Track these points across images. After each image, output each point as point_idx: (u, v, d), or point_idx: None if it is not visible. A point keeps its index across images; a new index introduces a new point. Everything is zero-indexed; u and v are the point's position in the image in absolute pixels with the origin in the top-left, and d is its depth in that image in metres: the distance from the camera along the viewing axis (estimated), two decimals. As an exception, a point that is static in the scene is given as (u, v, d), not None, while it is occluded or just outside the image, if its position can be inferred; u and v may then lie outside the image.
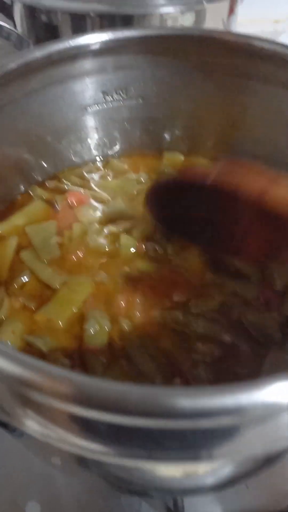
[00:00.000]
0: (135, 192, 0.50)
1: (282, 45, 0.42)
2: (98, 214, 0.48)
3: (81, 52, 0.44)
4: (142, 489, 0.36)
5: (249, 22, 1.02)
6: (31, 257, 0.45)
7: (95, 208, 0.49)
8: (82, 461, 0.28)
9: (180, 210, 0.40)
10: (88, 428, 0.22)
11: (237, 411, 0.19)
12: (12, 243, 0.46)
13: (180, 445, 0.21)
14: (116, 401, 0.19)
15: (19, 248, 0.46)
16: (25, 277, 0.43)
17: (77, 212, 0.48)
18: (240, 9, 0.74)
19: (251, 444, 0.22)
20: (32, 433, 0.24)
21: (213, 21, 0.66)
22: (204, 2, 0.57)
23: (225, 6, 0.68)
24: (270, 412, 0.19)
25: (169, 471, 0.27)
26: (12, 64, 0.40)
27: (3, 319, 0.40)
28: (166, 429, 0.20)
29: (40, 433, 0.24)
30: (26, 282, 0.43)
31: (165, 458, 0.21)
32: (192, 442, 0.21)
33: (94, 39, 0.43)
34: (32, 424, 0.24)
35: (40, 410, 0.23)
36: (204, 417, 0.19)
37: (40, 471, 0.42)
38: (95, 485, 0.43)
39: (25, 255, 0.45)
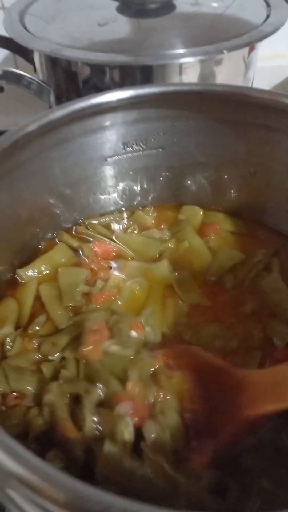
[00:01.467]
0: (157, 255, 0.50)
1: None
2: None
3: (102, 109, 0.44)
4: None
5: (267, 57, 1.02)
6: (49, 292, 0.45)
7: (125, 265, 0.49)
8: None
9: None
10: None
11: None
12: (32, 288, 0.46)
13: None
14: None
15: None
16: (41, 318, 0.43)
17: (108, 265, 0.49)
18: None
19: None
20: None
21: (235, 60, 0.66)
22: (225, 51, 0.57)
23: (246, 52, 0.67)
24: None
25: None
26: (34, 124, 0.40)
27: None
28: None
29: None
30: (42, 325, 0.43)
31: None
32: None
33: (115, 96, 0.44)
34: None
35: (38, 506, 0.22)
36: None
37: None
38: None
39: (44, 288, 0.45)
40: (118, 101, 0.44)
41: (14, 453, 0.21)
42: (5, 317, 0.43)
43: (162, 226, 0.53)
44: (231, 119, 0.48)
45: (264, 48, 0.85)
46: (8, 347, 0.41)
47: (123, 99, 0.44)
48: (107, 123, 0.46)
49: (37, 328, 0.43)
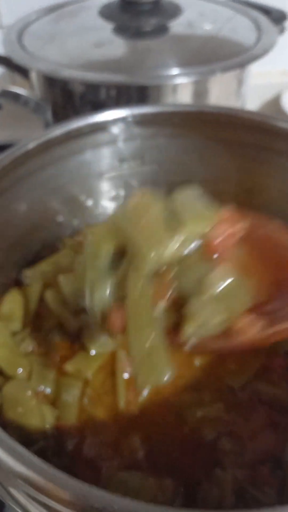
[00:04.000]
0: None
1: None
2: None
3: (98, 127, 0.46)
4: None
5: (258, 75, 1.05)
6: (55, 298, 0.46)
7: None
8: None
9: None
10: None
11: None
12: (37, 288, 0.47)
13: None
14: None
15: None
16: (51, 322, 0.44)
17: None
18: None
19: None
20: None
21: (227, 80, 0.68)
22: (218, 72, 0.59)
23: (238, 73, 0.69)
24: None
25: None
26: (32, 143, 0.41)
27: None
28: None
29: None
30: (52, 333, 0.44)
31: None
32: None
33: (112, 116, 0.45)
34: None
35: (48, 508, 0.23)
36: None
37: None
38: None
39: (50, 294, 0.46)
40: (115, 120, 0.45)
41: (19, 455, 0.21)
42: (13, 312, 0.45)
43: None
44: (224, 138, 0.50)
45: (255, 67, 0.89)
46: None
47: (119, 119, 0.45)
48: (104, 141, 0.48)
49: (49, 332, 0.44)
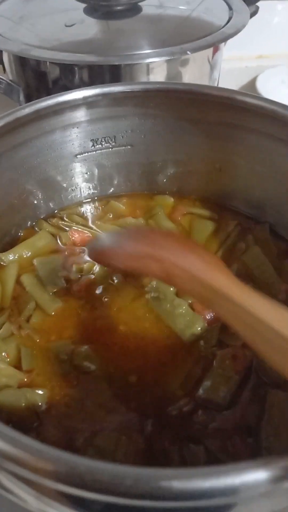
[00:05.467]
0: None
1: (263, 99, 0.44)
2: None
3: (69, 106, 0.45)
4: None
5: (234, 59, 1.06)
6: (31, 282, 0.47)
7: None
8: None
9: None
10: (79, 504, 0.22)
11: (231, 492, 0.19)
12: (13, 271, 0.48)
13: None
14: (109, 484, 0.19)
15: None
16: (31, 304, 0.45)
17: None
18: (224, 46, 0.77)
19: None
20: (28, 506, 0.24)
21: (199, 61, 0.68)
22: (189, 52, 0.58)
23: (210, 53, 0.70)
24: (264, 490, 0.20)
25: None
26: (1, 121, 0.41)
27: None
28: (161, 508, 0.20)
29: (36, 507, 0.24)
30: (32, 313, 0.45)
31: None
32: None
33: (81, 94, 0.45)
34: (27, 498, 0.24)
35: (33, 486, 0.23)
36: (197, 499, 0.19)
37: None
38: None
39: (26, 278, 0.47)
40: (85, 98, 0.45)
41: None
42: None
43: (136, 213, 0.55)
44: (194, 117, 0.50)
45: (230, 50, 0.88)
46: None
47: (89, 97, 0.45)
48: (75, 120, 0.47)
49: (28, 314, 0.45)
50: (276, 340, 0.25)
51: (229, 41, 0.79)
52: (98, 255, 0.39)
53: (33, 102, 0.43)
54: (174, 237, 0.38)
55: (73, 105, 0.45)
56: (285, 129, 0.45)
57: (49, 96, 0.43)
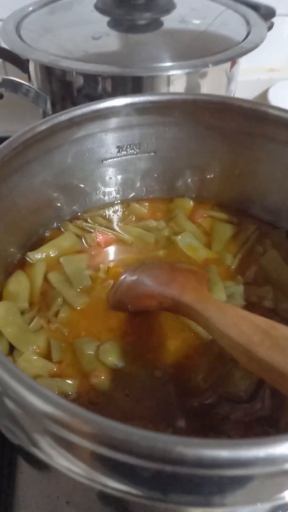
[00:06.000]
0: (153, 241, 0.55)
1: (283, 109, 0.47)
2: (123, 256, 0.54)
3: (100, 115, 0.48)
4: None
5: (247, 71, 1.09)
6: (58, 278, 0.50)
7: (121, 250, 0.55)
8: (102, 498, 0.30)
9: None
10: (109, 466, 0.25)
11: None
12: (41, 268, 0.50)
13: (195, 491, 0.23)
14: (138, 447, 0.22)
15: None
16: (59, 301, 0.47)
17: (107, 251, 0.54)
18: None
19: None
20: (59, 467, 0.27)
21: (218, 73, 0.71)
22: (210, 65, 0.61)
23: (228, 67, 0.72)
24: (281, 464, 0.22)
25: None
26: (41, 126, 0.44)
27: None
28: (184, 475, 0.22)
29: (66, 467, 0.26)
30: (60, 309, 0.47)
31: (180, 502, 0.24)
32: (206, 488, 0.24)
33: (114, 103, 0.48)
34: (59, 459, 0.26)
35: (66, 446, 0.25)
36: (218, 467, 0.22)
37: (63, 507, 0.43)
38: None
39: (53, 276, 0.50)
40: (116, 108, 0.48)
41: (43, 395, 0.24)
42: (18, 292, 0.47)
43: (157, 216, 0.58)
44: (217, 125, 0.53)
45: (244, 62, 0.92)
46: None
47: (120, 106, 0.48)
48: (104, 128, 0.50)
49: (56, 309, 0.47)
50: (226, 340, 0.32)
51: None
52: (117, 303, 0.47)
53: (69, 109, 0.45)
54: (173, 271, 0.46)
55: (104, 114, 0.48)
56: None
57: (84, 104, 0.46)
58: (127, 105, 0.48)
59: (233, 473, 0.22)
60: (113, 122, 0.50)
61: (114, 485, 0.25)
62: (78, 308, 0.47)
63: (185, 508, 0.25)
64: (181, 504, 0.25)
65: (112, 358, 0.43)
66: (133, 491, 0.25)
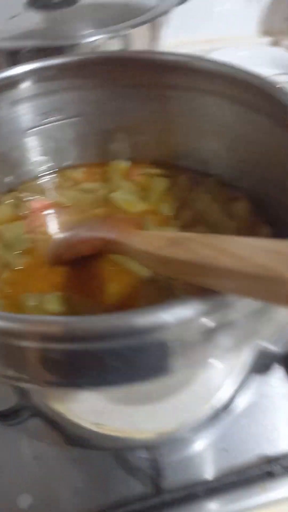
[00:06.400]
0: (90, 202, 0.57)
1: (183, 55, 0.49)
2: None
3: (11, 82, 0.49)
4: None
5: (181, 44, 1.12)
6: None
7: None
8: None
9: None
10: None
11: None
12: None
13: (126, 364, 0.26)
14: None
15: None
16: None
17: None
18: (170, 32, 0.82)
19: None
20: None
21: (140, 39, 0.73)
22: (130, 28, 0.63)
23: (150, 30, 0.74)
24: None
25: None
26: None
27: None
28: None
29: None
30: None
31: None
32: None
33: (23, 69, 0.49)
34: None
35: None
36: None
37: (31, 463, 0.45)
38: (88, 473, 0.46)
39: None
40: (27, 73, 0.49)
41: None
42: None
43: (94, 178, 0.60)
44: (135, 83, 0.54)
45: (175, 35, 0.94)
46: None
47: (31, 71, 0.49)
48: (20, 96, 0.51)
49: None
50: (143, 255, 0.35)
51: (176, 26, 0.84)
52: (55, 257, 0.49)
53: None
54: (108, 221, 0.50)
55: (17, 80, 0.49)
56: (214, 81, 0.50)
57: (-8, 73, 0.47)
58: (38, 70, 0.49)
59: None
60: (29, 89, 0.51)
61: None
62: (19, 267, 0.49)
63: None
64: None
65: (55, 305, 0.44)
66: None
